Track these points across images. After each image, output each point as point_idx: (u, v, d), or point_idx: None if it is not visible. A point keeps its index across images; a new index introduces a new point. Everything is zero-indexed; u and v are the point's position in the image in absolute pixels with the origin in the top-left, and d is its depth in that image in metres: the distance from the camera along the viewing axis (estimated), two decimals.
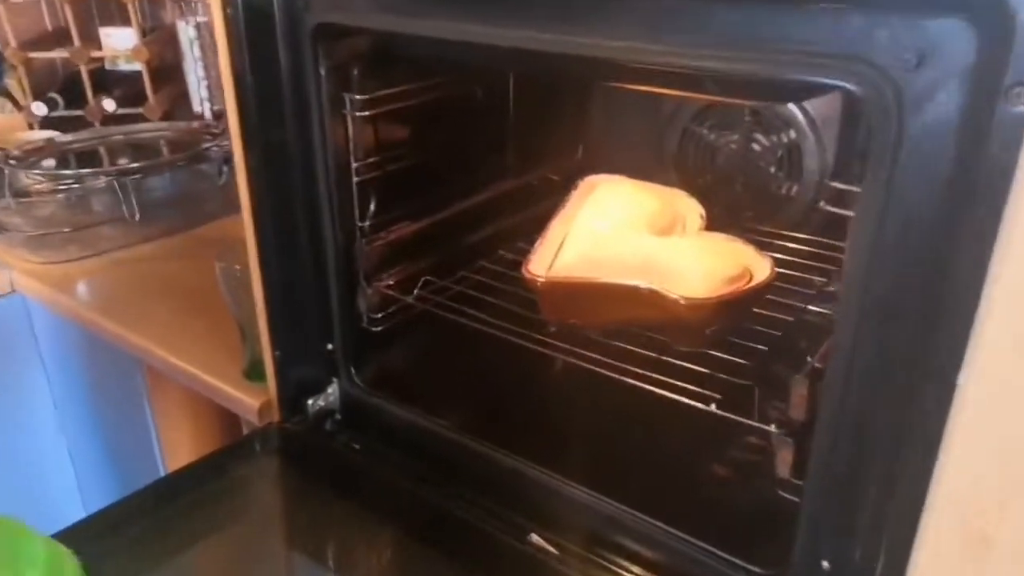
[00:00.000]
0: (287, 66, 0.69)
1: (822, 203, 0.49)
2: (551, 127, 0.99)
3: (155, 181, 1.35)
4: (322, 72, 0.68)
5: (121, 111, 1.54)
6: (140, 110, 1.54)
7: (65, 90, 1.54)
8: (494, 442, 0.72)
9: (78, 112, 1.53)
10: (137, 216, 1.23)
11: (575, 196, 0.80)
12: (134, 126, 1.49)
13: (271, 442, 0.78)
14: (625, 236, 0.70)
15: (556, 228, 0.74)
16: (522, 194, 0.95)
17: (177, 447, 1.13)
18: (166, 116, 1.58)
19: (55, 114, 1.52)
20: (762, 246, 0.86)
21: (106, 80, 1.57)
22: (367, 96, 0.72)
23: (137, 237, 1.31)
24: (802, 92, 0.63)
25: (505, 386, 0.81)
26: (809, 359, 0.54)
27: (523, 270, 0.69)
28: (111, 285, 1.17)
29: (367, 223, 0.77)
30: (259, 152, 0.71)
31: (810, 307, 0.72)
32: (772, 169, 0.90)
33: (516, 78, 0.91)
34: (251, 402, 0.86)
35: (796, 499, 0.54)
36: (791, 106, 0.85)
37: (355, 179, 0.74)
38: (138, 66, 1.53)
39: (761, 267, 0.66)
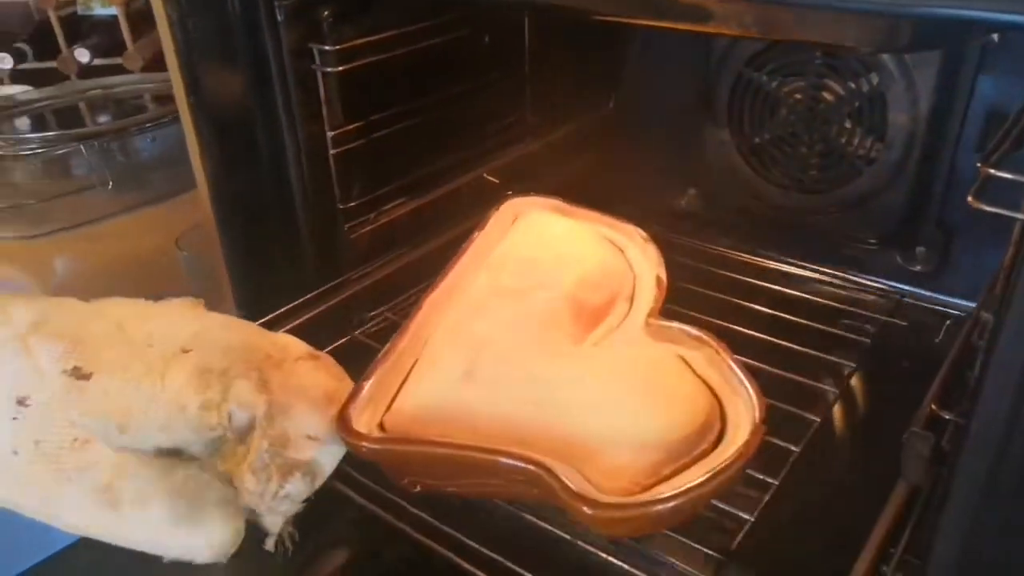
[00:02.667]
0: (236, 9, 0.54)
1: (979, 165, 0.33)
2: (577, 76, 0.83)
3: (139, 142, 1.22)
4: (279, 17, 0.53)
5: (98, 62, 1.39)
6: (119, 60, 1.40)
7: (34, 39, 1.40)
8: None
9: (51, 64, 1.39)
10: (110, 184, 1.10)
11: (477, 241, 0.55)
12: (113, 79, 1.35)
13: None
14: (517, 352, 0.44)
15: (425, 316, 0.49)
16: (544, 157, 0.80)
17: None
18: (149, 67, 1.42)
19: (25, 66, 1.38)
20: None
21: (79, 27, 1.42)
22: (342, 46, 0.57)
23: (116, 207, 1.17)
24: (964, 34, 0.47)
25: None
26: (933, 407, 0.39)
27: (335, 424, 0.42)
28: (82, 265, 1.04)
29: (352, 204, 0.62)
30: (210, 119, 0.57)
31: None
32: (848, 124, 0.74)
33: (532, 17, 0.74)
34: None
35: None
36: None
37: (332, 151, 0.59)
38: (114, 10, 1.38)
39: (739, 409, 0.41)
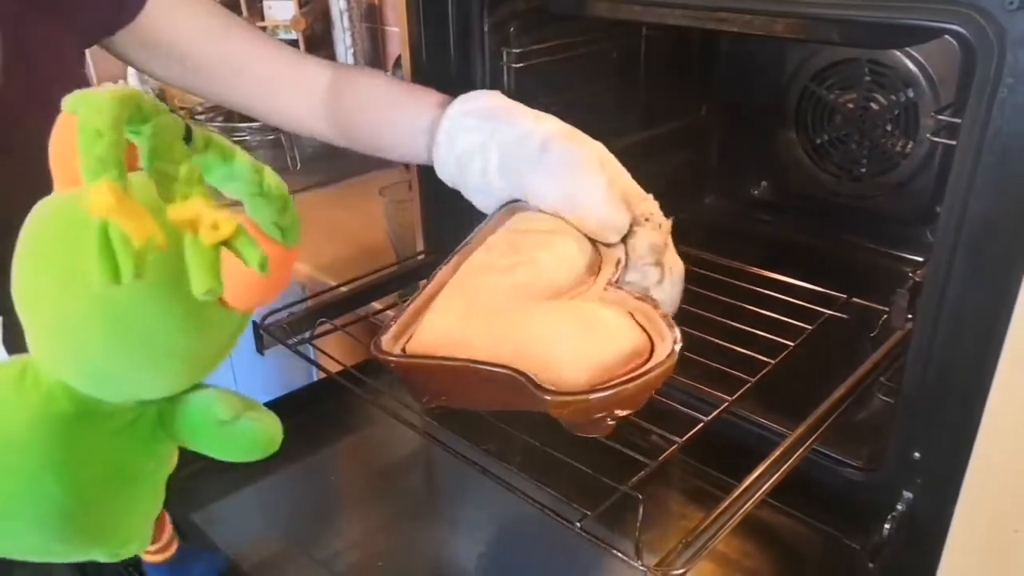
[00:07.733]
0: (454, 25, 0.80)
1: (929, 135, 0.55)
2: (678, 87, 1.07)
3: (307, 139, 1.51)
4: (485, 29, 0.80)
5: None
6: None
7: None
8: None
9: None
10: (298, 165, 1.40)
11: (484, 230, 0.68)
12: None
13: None
14: (502, 305, 0.57)
15: (439, 281, 0.62)
16: (649, 146, 1.04)
17: None
18: None
19: None
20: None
21: None
22: (521, 50, 0.83)
23: (295, 186, 1.48)
24: (916, 36, 0.69)
25: None
26: (911, 275, 0.61)
27: (371, 345, 0.55)
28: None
29: None
30: None
31: None
32: (888, 127, 0.96)
33: (647, 41, 0.99)
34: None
35: (891, 400, 0.62)
36: (911, 65, 0.90)
37: None
38: (295, 35, 1.70)
39: (664, 347, 0.52)
